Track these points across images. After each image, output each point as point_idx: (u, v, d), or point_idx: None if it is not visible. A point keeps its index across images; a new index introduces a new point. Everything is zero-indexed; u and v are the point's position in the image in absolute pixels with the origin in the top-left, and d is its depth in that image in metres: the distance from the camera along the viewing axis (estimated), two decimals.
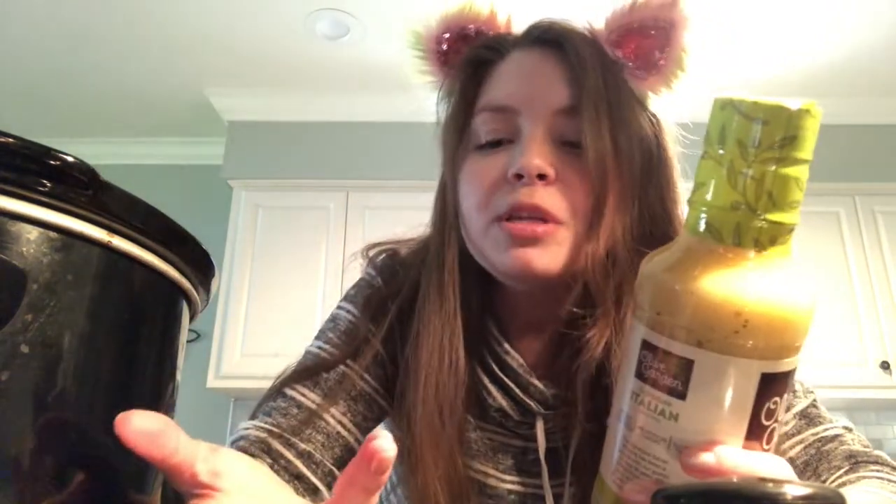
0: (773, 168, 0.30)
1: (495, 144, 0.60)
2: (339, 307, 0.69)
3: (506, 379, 0.63)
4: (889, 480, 0.58)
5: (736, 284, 0.31)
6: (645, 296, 0.34)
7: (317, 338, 0.67)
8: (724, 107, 0.32)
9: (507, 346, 0.63)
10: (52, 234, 0.25)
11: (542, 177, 0.56)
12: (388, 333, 0.65)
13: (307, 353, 0.65)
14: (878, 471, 0.60)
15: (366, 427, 0.64)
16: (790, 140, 0.30)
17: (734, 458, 0.31)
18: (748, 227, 0.31)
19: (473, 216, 0.60)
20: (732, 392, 0.31)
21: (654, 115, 0.63)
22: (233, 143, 2.96)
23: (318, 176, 2.87)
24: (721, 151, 0.32)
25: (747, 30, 2.46)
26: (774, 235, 0.31)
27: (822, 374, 2.48)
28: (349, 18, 2.46)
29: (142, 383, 0.30)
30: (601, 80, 0.58)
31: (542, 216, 0.56)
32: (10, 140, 0.25)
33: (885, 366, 2.57)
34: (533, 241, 0.56)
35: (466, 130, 0.63)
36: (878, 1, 2.35)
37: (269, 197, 2.86)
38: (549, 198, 0.56)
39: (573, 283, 0.59)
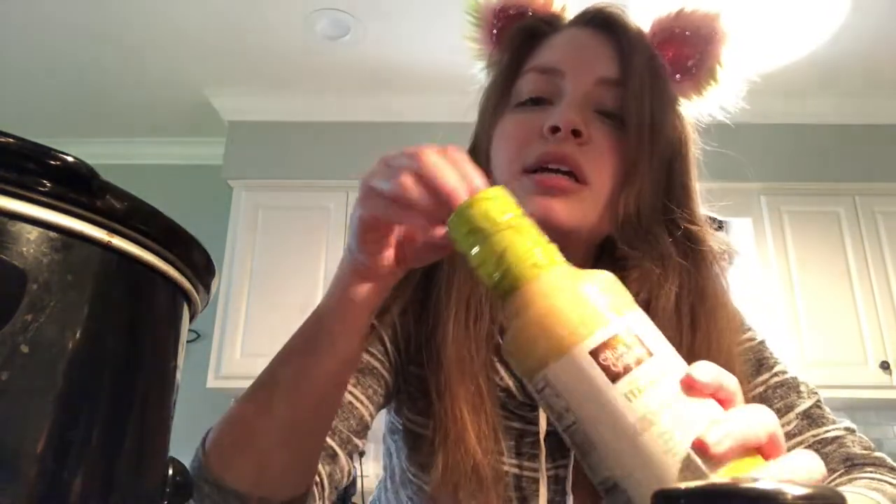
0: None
1: (536, 103, 0.63)
2: None
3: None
4: (880, 481, 0.58)
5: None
6: (565, 332, 0.35)
7: None
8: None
9: None
10: (52, 234, 0.25)
11: (576, 134, 0.59)
12: (386, 311, 0.66)
13: None
14: (872, 472, 0.60)
15: (376, 401, 0.65)
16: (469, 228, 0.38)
17: (711, 368, 0.35)
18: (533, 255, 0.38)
19: (503, 168, 0.62)
20: (655, 330, 0.36)
21: (681, 115, 0.67)
22: (233, 143, 2.96)
23: (318, 176, 2.87)
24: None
25: (747, 29, 2.46)
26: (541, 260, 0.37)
27: (822, 374, 2.49)
28: (349, 18, 2.46)
29: (142, 383, 0.30)
30: (647, 63, 0.62)
31: (569, 170, 0.59)
32: (10, 140, 0.25)
33: (885, 366, 2.57)
34: (558, 192, 0.58)
35: (509, 92, 0.65)
36: (878, 1, 2.35)
37: (269, 197, 2.86)
38: (579, 154, 0.59)
39: (589, 248, 0.63)
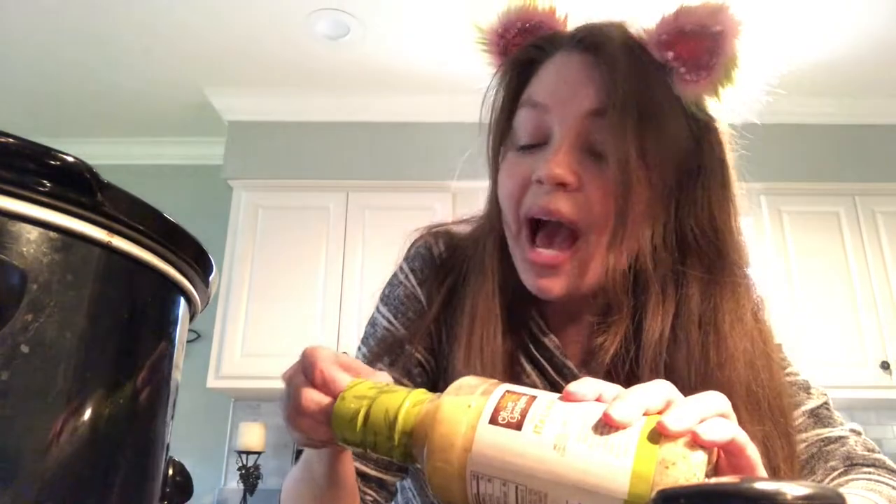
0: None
1: (531, 145, 0.62)
2: (375, 311, 0.72)
3: (541, 358, 0.64)
4: (878, 482, 0.58)
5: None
6: (463, 428, 0.38)
7: (358, 348, 0.71)
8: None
9: (544, 327, 0.65)
10: (52, 234, 0.25)
11: (563, 185, 0.57)
12: (415, 330, 0.68)
13: None
14: (870, 473, 0.60)
15: None
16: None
17: (588, 380, 0.39)
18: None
19: (508, 210, 0.63)
20: (532, 389, 0.40)
21: (703, 122, 0.62)
22: (233, 143, 2.96)
23: (318, 176, 2.87)
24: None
25: (761, 19, 2.46)
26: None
27: (823, 374, 2.49)
28: (349, 18, 2.46)
29: (142, 383, 0.30)
30: (633, 86, 0.58)
31: (560, 221, 0.58)
32: (10, 140, 0.25)
33: (885, 366, 2.57)
34: (549, 271, 0.59)
35: (510, 126, 0.65)
36: (878, 1, 2.35)
37: (269, 197, 2.86)
38: (568, 204, 0.58)
39: (596, 293, 0.61)
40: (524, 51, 0.66)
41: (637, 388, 0.37)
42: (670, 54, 0.60)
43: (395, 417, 0.40)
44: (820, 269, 2.72)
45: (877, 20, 2.44)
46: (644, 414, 0.35)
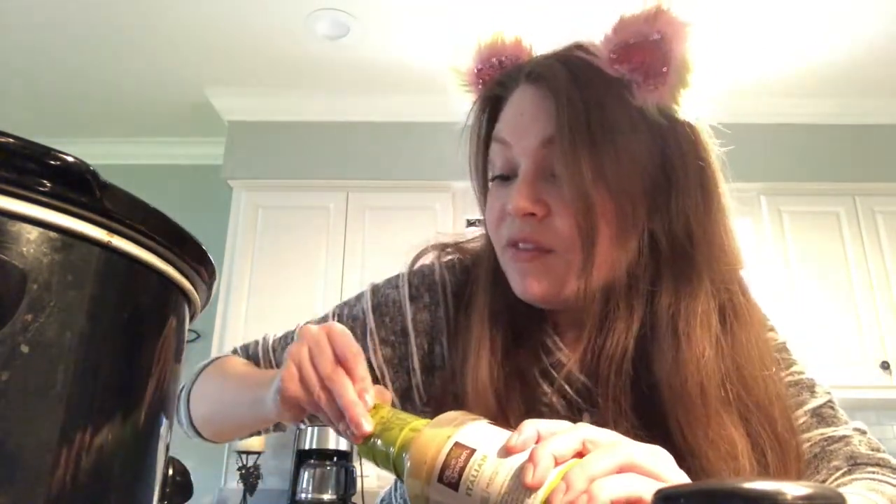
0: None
1: (504, 178, 0.65)
2: (365, 293, 0.74)
3: (554, 373, 0.64)
4: (881, 481, 0.59)
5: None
6: (421, 481, 0.44)
7: (334, 309, 0.77)
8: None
9: (558, 340, 0.66)
10: (52, 234, 0.25)
11: (531, 214, 0.60)
12: (384, 336, 0.70)
13: None
14: (874, 472, 0.60)
15: None
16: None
17: (527, 428, 0.41)
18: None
19: (493, 237, 0.66)
20: (483, 430, 0.44)
21: (670, 129, 0.60)
22: (233, 143, 2.96)
23: (318, 176, 2.87)
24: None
25: (748, 31, 2.46)
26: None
27: (823, 374, 2.48)
28: (349, 18, 2.46)
29: (142, 383, 0.30)
30: (579, 110, 0.58)
31: (533, 246, 0.61)
32: (10, 140, 0.25)
33: (885, 366, 2.57)
34: (529, 266, 0.61)
35: (487, 159, 0.68)
36: (877, 1, 2.35)
37: (269, 197, 2.86)
38: (538, 230, 0.60)
39: (593, 307, 0.62)
40: (489, 89, 0.69)
41: (548, 442, 0.39)
42: (623, 68, 0.59)
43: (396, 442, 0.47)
44: (820, 269, 2.72)
45: (877, 20, 2.44)
46: (559, 462, 0.39)
